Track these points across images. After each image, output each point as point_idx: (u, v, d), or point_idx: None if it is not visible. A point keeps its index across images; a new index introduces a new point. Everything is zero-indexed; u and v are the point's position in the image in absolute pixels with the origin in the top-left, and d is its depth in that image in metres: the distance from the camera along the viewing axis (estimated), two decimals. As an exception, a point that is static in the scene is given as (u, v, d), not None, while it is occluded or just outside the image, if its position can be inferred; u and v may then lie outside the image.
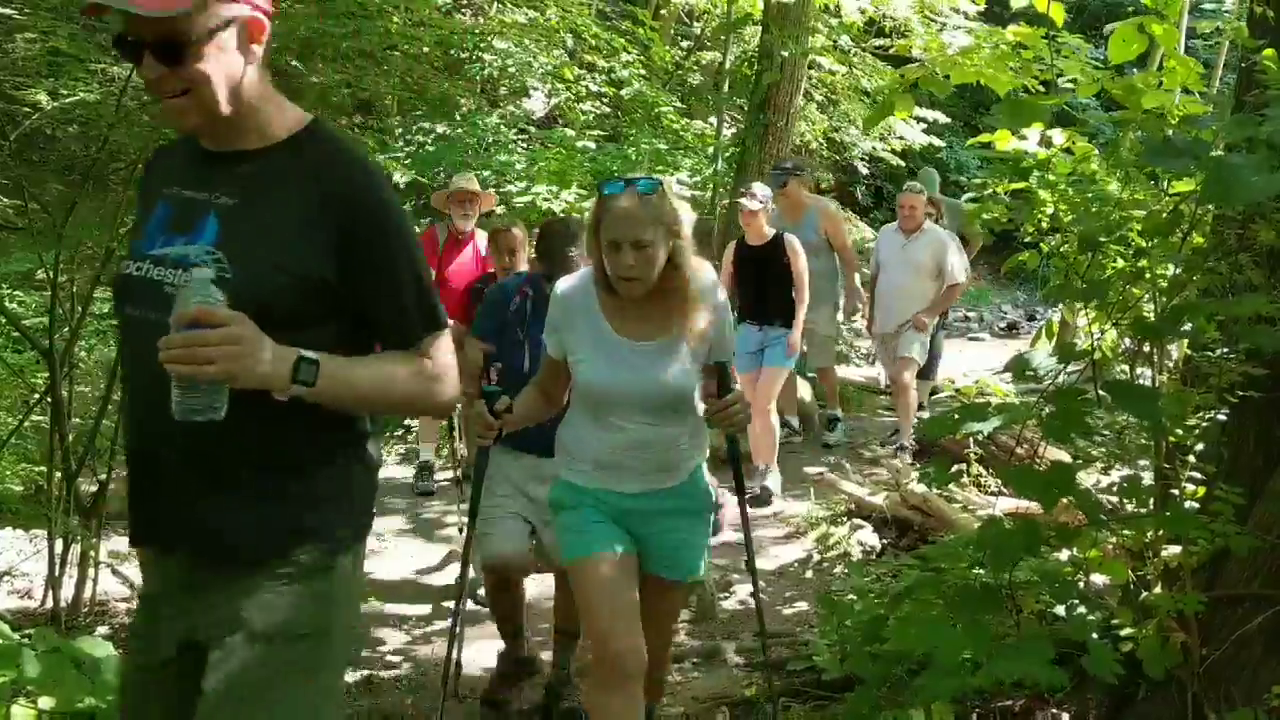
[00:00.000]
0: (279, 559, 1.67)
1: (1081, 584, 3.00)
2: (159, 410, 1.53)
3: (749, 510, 3.12)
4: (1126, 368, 2.96)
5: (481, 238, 5.97)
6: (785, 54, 8.17)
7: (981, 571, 2.94)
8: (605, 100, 10.32)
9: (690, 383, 2.66)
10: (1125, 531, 2.90)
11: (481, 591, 4.14)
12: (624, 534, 2.68)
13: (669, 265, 2.57)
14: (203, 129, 1.68)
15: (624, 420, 2.63)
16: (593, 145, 9.41)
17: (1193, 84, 2.98)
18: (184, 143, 1.78)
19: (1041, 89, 3.24)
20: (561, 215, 7.24)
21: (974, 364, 10.22)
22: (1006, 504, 4.60)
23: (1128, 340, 2.89)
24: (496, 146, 8.93)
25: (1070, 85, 3.10)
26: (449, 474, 5.81)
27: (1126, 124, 2.77)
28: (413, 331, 1.74)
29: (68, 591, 4.13)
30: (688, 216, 2.62)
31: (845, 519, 5.41)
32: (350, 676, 3.94)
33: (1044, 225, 2.95)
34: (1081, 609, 2.78)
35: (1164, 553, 2.81)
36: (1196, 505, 2.74)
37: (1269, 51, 2.68)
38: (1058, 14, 3.08)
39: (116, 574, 4.61)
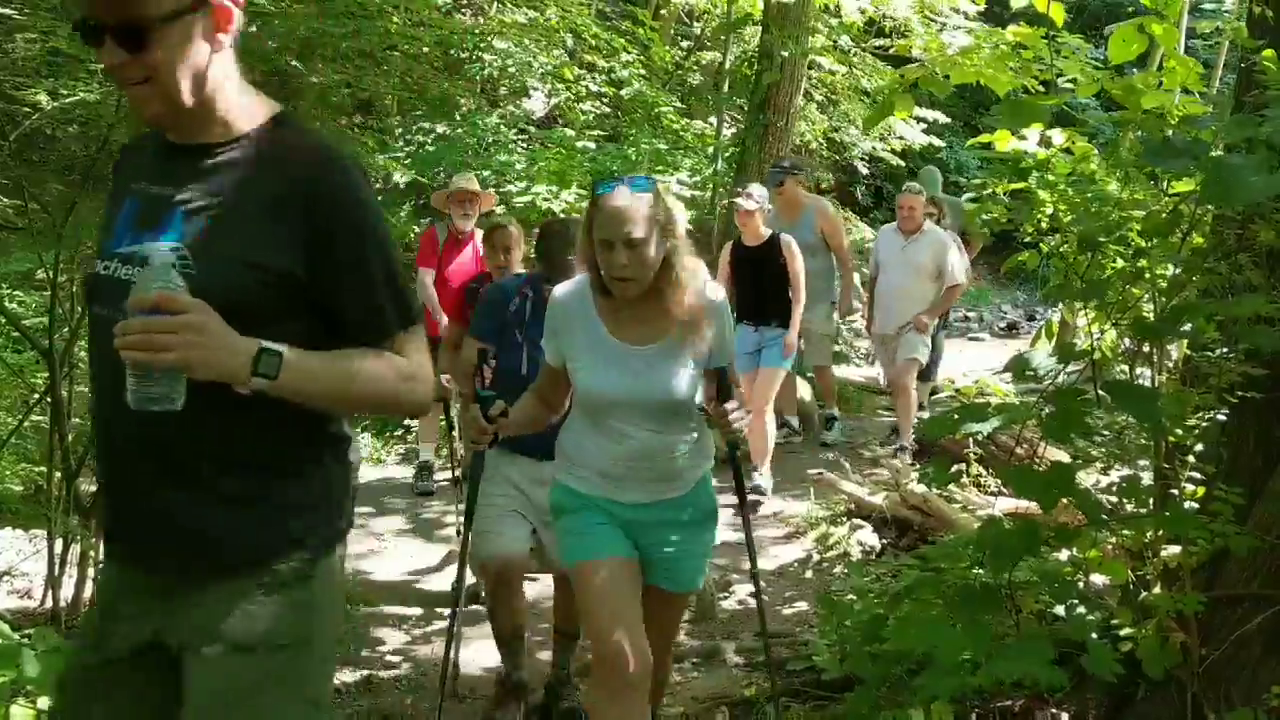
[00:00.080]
0: (258, 566, 1.62)
1: (1081, 584, 3.00)
2: (125, 408, 1.49)
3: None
4: (1126, 368, 2.96)
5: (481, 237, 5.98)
6: (785, 54, 8.17)
7: (981, 571, 2.94)
8: (605, 100, 10.32)
9: (691, 387, 2.62)
10: (1125, 531, 2.90)
11: (483, 594, 4.13)
12: (626, 538, 2.65)
13: (664, 266, 2.53)
14: (166, 120, 1.62)
15: (625, 426, 2.60)
16: (593, 145, 9.40)
17: (1193, 84, 2.98)
18: (152, 137, 1.73)
19: (1041, 89, 3.24)
20: (561, 216, 7.24)
21: (974, 364, 10.24)
22: (1006, 504, 4.60)
23: (1127, 340, 2.89)
24: (496, 146, 8.93)
25: (1070, 85, 3.10)
26: (448, 474, 5.81)
27: (1126, 124, 2.77)
28: (386, 328, 1.68)
29: (68, 591, 4.13)
30: (682, 217, 2.60)
31: (845, 519, 5.42)
32: (350, 676, 3.95)
33: (1043, 225, 2.95)
34: (1081, 609, 2.78)
35: (1163, 553, 2.82)
36: (1196, 505, 2.74)
37: (1268, 52, 2.68)
38: (1058, 14, 3.08)
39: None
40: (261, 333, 1.54)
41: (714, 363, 2.65)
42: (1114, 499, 3.47)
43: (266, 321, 1.56)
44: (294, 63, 7.82)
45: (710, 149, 9.42)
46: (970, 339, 13.33)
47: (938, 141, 11.53)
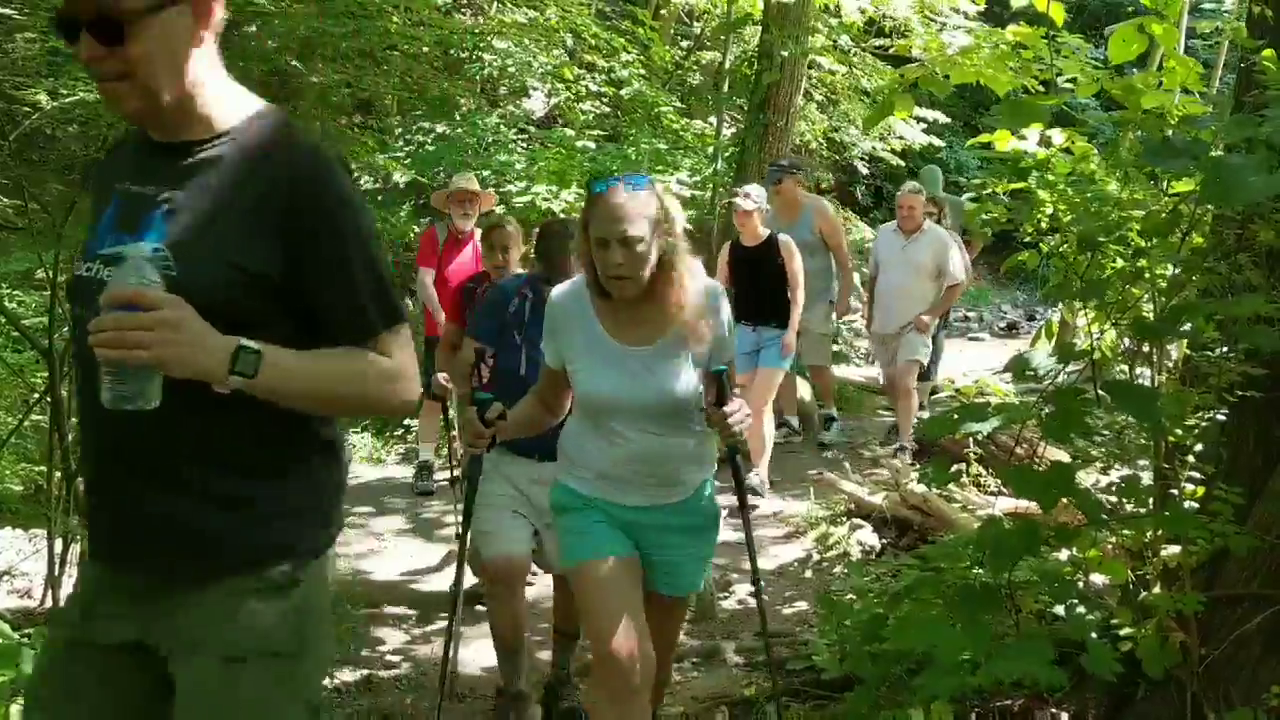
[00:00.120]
0: (245, 571, 1.58)
1: (1081, 584, 3.00)
2: (103, 408, 1.45)
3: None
4: (1126, 368, 2.96)
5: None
6: (785, 54, 8.17)
7: (981, 571, 2.93)
8: (605, 100, 10.31)
9: (691, 388, 2.58)
10: (1125, 531, 2.90)
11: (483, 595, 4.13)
12: (627, 538, 2.63)
13: (662, 265, 2.50)
14: (145, 116, 1.58)
15: (626, 428, 2.57)
16: (592, 145, 9.40)
17: (1192, 84, 2.98)
18: (135, 135, 1.69)
19: (1041, 89, 3.24)
20: (561, 216, 7.24)
21: (974, 364, 10.23)
22: (1006, 504, 4.60)
23: (1127, 340, 2.89)
24: (496, 146, 8.92)
25: (1070, 85, 3.10)
26: (448, 474, 5.81)
27: (1126, 124, 2.77)
28: (369, 328, 1.62)
29: (67, 591, 4.12)
30: (681, 216, 2.56)
31: (845, 519, 5.42)
32: (350, 676, 3.95)
33: (1043, 225, 2.95)
34: (1081, 609, 2.78)
35: (1163, 552, 2.82)
36: (1196, 505, 2.75)
37: (1268, 52, 2.68)
38: (1058, 14, 3.08)
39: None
40: (243, 333, 1.50)
41: (714, 364, 2.61)
42: (1114, 499, 3.47)
43: (248, 321, 1.52)
44: (294, 63, 7.83)
45: (710, 149, 9.41)
46: (970, 339, 13.33)
47: (938, 141, 11.54)
